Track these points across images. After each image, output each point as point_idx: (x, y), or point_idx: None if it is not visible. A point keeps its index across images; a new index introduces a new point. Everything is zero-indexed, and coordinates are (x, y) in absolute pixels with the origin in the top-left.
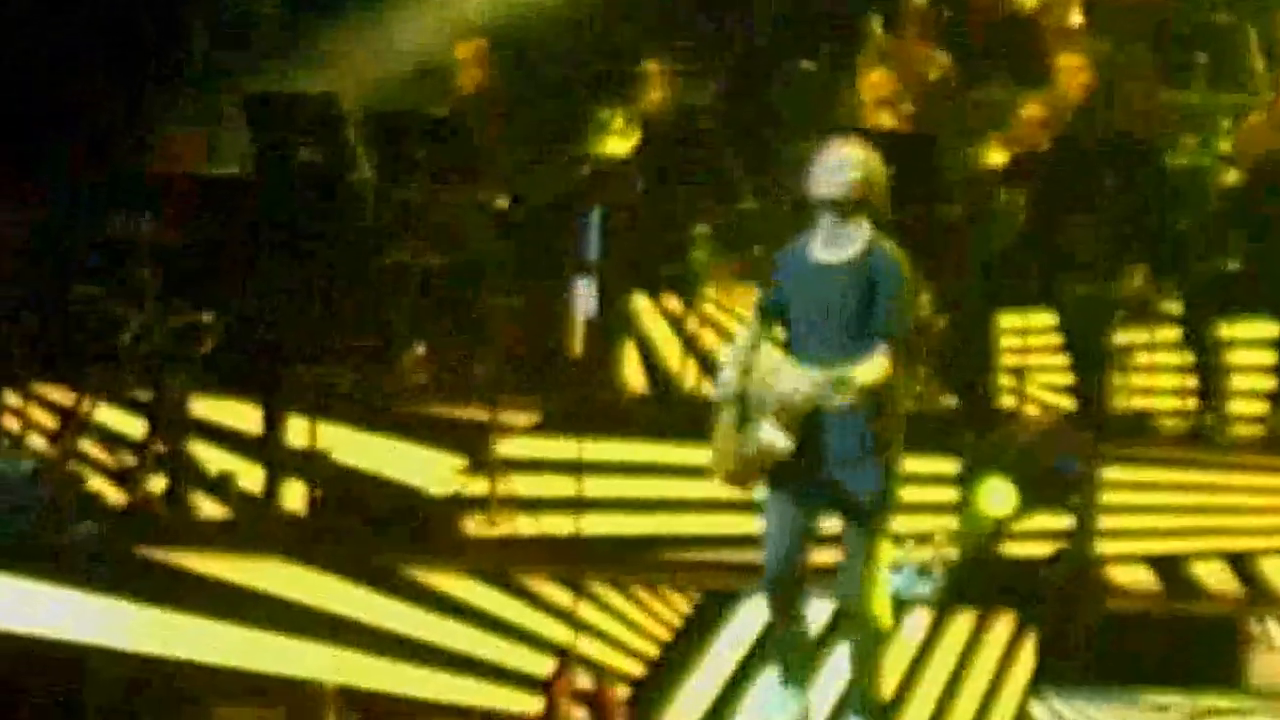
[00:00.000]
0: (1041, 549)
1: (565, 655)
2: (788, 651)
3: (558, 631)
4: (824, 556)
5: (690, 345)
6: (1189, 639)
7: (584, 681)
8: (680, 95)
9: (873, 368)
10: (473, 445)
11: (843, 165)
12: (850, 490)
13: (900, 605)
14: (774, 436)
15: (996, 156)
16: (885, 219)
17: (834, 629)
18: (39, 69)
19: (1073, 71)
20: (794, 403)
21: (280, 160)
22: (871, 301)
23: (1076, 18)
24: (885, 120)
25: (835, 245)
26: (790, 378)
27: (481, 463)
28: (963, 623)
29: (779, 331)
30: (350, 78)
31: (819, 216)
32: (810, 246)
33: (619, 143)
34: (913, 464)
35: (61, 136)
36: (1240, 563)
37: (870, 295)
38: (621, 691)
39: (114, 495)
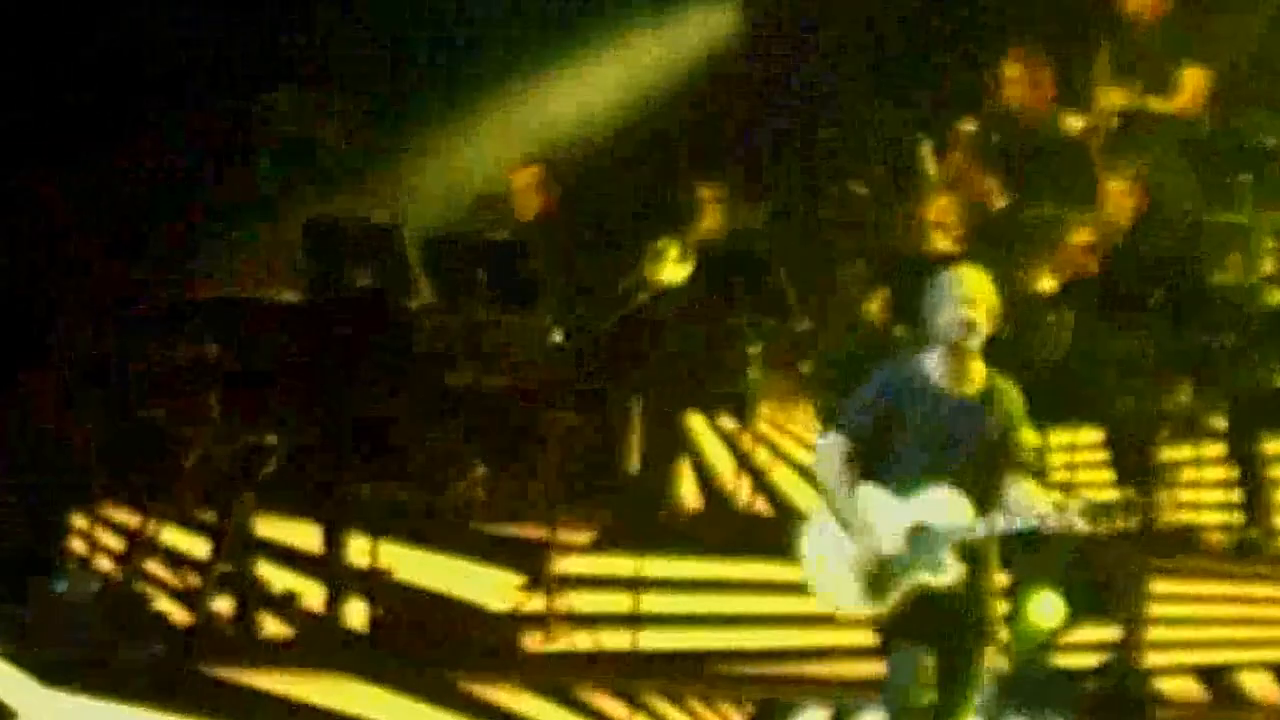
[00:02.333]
0: (1090, 660)
1: None
2: None
3: None
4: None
5: (744, 463)
6: None
7: None
8: (734, 218)
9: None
10: (531, 562)
11: (968, 300)
12: (977, 617)
13: None
14: (955, 568)
15: (1046, 283)
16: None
17: None
18: (106, 191)
19: (1121, 195)
20: (991, 531)
21: (340, 284)
22: (998, 435)
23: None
24: (940, 244)
25: (956, 376)
26: (1023, 502)
27: (539, 579)
28: None
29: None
30: (411, 203)
31: (936, 345)
32: (929, 374)
33: (675, 270)
34: None
35: (129, 257)
36: None
37: (996, 429)
38: None
39: (179, 615)
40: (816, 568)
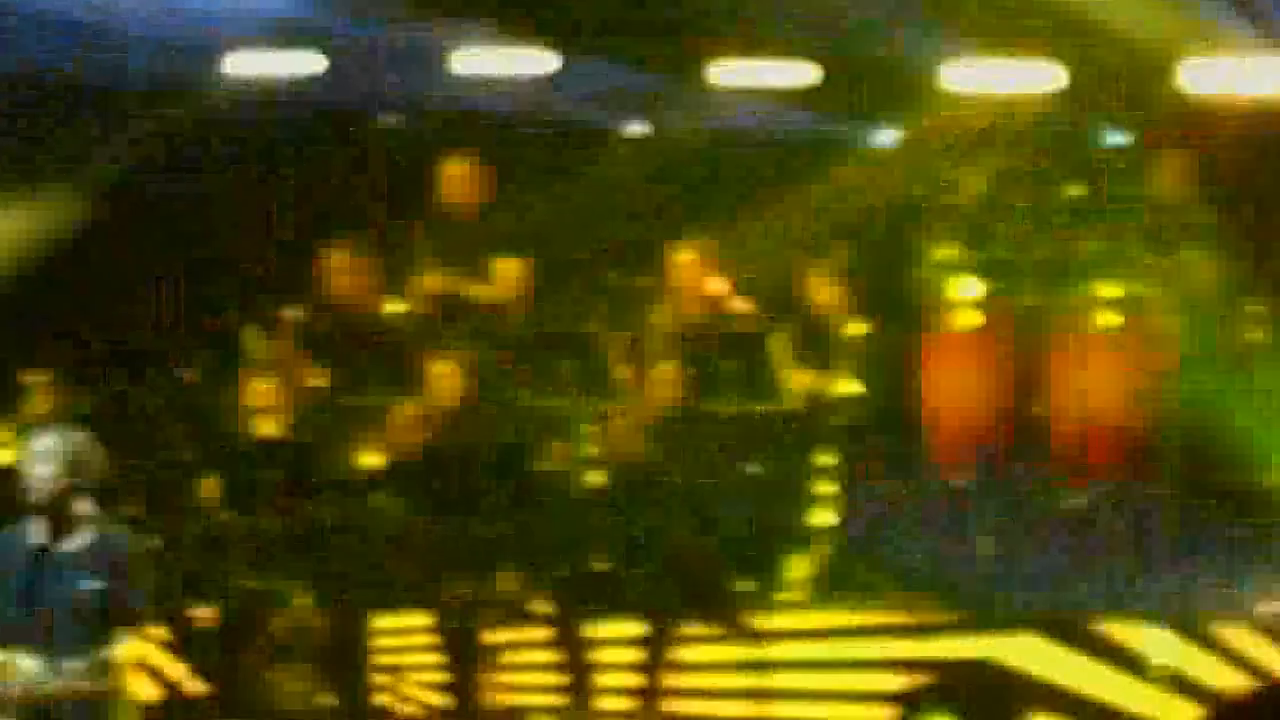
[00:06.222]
0: None
1: None
2: None
3: None
4: None
5: None
6: None
7: None
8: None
9: (127, 649)
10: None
11: (44, 459)
12: None
13: None
14: None
15: (372, 461)
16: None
17: None
18: None
19: (444, 377)
20: (42, 693)
21: None
22: (106, 586)
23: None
24: (267, 428)
25: (54, 533)
26: (34, 667)
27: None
28: None
29: None
30: None
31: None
32: (30, 532)
33: None
34: None
35: None
36: None
37: (104, 580)
38: None
39: None
40: None
